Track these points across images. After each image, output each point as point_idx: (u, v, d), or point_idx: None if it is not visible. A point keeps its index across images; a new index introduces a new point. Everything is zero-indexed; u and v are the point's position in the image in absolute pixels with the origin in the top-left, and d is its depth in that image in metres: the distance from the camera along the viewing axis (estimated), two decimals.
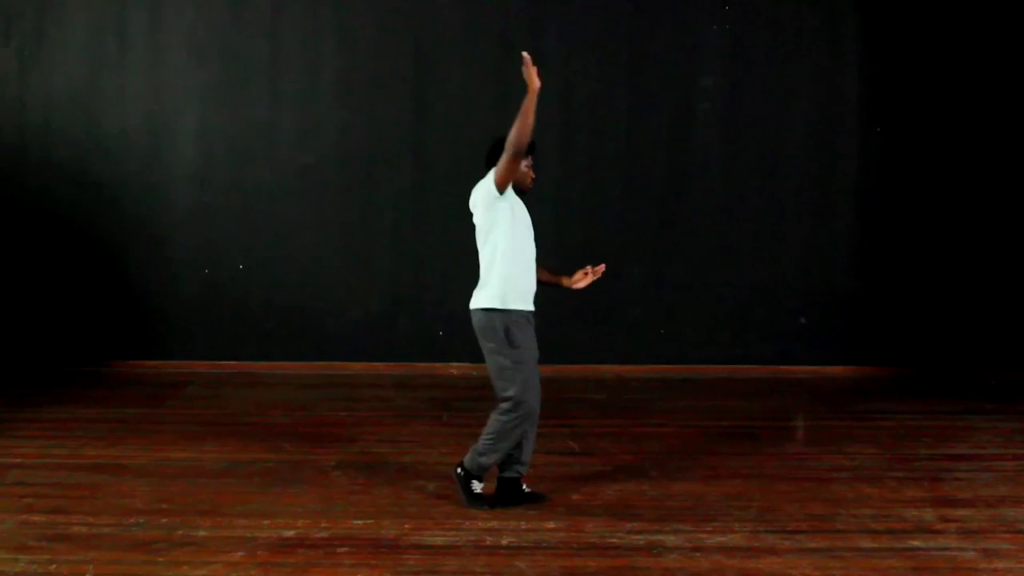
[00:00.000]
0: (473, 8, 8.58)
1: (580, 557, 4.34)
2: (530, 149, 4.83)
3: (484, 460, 4.88)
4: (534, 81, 4.60)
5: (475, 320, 4.89)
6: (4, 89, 8.59)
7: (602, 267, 5.12)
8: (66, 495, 5.13)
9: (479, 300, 4.87)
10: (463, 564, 4.25)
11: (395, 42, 8.59)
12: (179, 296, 8.65)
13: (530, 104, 4.59)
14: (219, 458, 5.86)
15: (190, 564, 4.21)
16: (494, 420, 4.85)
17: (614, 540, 4.53)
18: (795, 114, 8.64)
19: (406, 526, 4.70)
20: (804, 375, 8.45)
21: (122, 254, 8.64)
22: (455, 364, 8.52)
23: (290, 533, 4.59)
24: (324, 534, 4.59)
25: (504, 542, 4.50)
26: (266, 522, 4.72)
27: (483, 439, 4.88)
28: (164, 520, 4.75)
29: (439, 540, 4.53)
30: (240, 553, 4.34)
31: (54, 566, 4.18)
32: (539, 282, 5.00)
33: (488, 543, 4.49)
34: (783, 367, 8.56)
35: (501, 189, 4.76)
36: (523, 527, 4.68)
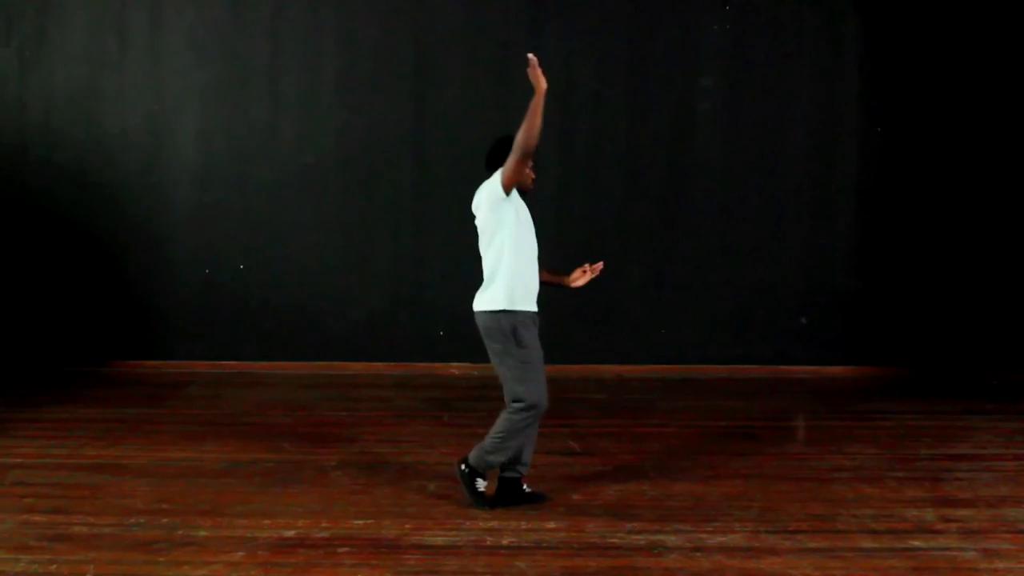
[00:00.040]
0: (473, 8, 8.58)
1: (580, 557, 4.34)
2: None
3: (492, 458, 4.88)
4: (540, 82, 4.61)
5: (481, 321, 4.88)
6: (5, 89, 8.59)
7: (600, 264, 5.16)
8: (67, 495, 5.13)
9: (485, 302, 4.86)
10: (464, 564, 4.25)
11: (395, 42, 8.59)
12: (179, 296, 8.65)
13: (537, 105, 4.60)
14: (219, 458, 5.86)
15: (191, 564, 4.22)
16: (504, 419, 4.84)
17: (614, 540, 4.53)
18: (795, 114, 8.64)
19: (407, 526, 4.70)
20: (804, 375, 8.45)
21: (122, 254, 8.64)
22: (455, 364, 8.52)
23: (291, 533, 4.60)
24: (325, 534, 4.59)
25: (505, 542, 4.50)
26: (267, 522, 4.73)
27: (491, 437, 4.87)
28: (164, 520, 4.75)
29: (440, 540, 4.53)
30: (240, 553, 4.34)
31: (55, 566, 4.19)
32: (540, 282, 5.01)
33: (489, 543, 4.49)
34: (783, 367, 8.56)
35: (508, 190, 4.77)
36: (524, 527, 4.68)
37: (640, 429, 6.67)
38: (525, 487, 5.01)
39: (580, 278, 5.15)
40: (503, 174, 4.75)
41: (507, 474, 4.96)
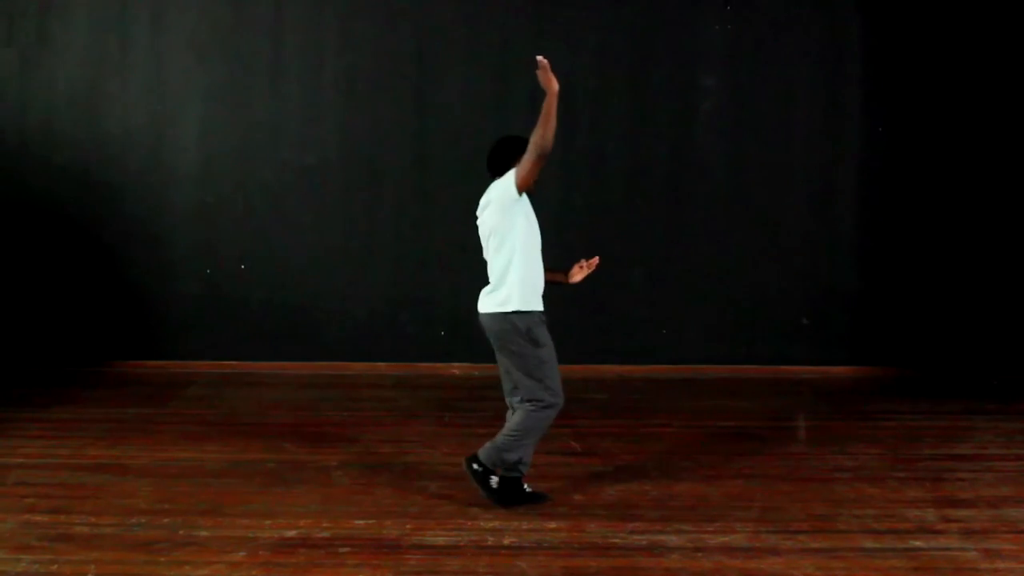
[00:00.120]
0: (475, 8, 8.58)
1: (582, 557, 4.35)
2: (524, 151, 4.86)
3: (508, 456, 4.89)
4: (552, 84, 4.63)
5: (492, 324, 4.88)
6: (6, 89, 8.59)
7: (595, 260, 5.20)
8: (68, 495, 5.13)
9: (496, 303, 4.86)
10: (465, 564, 4.26)
11: (397, 43, 8.59)
12: (181, 296, 8.66)
13: (551, 106, 4.62)
14: (221, 458, 5.86)
15: (192, 564, 4.22)
16: (524, 417, 4.85)
17: (616, 540, 4.53)
18: (797, 113, 8.63)
19: (408, 526, 4.70)
20: (806, 375, 8.44)
21: (124, 254, 8.65)
22: (457, 364, 8.52)
23: (292, 533, 4.60)
24: (326, 534, 4.60)
25: (506, 542, 4.50)
26: (268, 522, 4.73)
27: (506, 435, 4.88)
28: (166, 520, 4.75)
29: (441, 540, 4.53)
30: (242, 553, 4.35)
31: (56, 566, 4.19)
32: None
33: (490, 543, 4.49)
34: (785, 367, 8.55)
35: (522, 191, 4.78)
36: (525, 527, 4.68)
37: (641, 429, 6.67)
38: (526, 487, 5.01)
39: (578, 274, 5.18)
40: (517, 175, 4.76)
41: (508, 474, 4.96)
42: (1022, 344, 8.54)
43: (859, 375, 8.50)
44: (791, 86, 8.62)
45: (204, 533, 4.59)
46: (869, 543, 4.51)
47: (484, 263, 5.07)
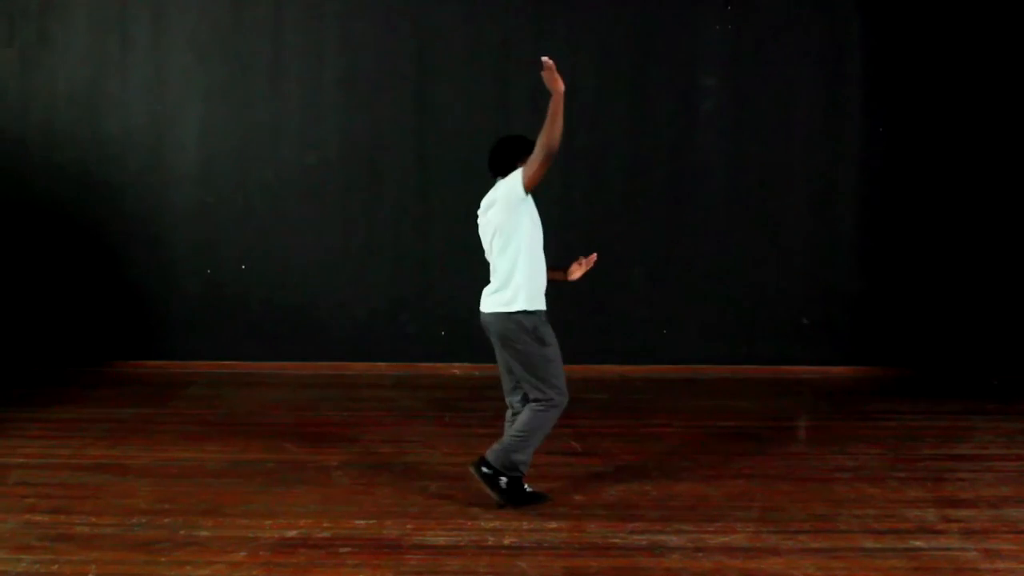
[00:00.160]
0: (476, 8, 8.57)
1: (582, 557, 4.35)
2: (528, 151, 4.87)
3: (517, 456, 4.90)
4: (558, 85, 4.64)
5: (497, 323, 4.88)
6: (7, 89, 8.59)
7: (593, 256, 5.21)
8: (69, 495, 5.14)
9: (502, 303, 4.87)
10: (465, 564, 4.26)
11: (397, 43, 8.59)
12: (181, 296, 8.66)
13: (557, 107, 4.64)
14: (221, 458, 5.86)
15: (192, 564, 4.22)
16: (531, 416, 4.87)
17: (616, 540, 4.53)
18: (798, 113, 8.63)
19: (408, 526, 4.70)
20: (807, 375, 8.44)
21: (124, 254, 8.65)
22: (457, 364, 8.52)
23: (292, 533, 4.60)
24: (326, 534, 4.60)
25: (506, 542, 4.50)
26: (268, 522, 4.73)
27: (513, 436, 4.89)
28: (166, 520, 4.75)
29: (441, 540, 4.53)
30: (242, 553, 4.35)
31: (57, 566, 4.19)
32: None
33: (490, 543, 4.50)
34: (785, 367, 8.54)
35: (529, 190, 4.79)
36: (525, 527, 4.68)
37: (642, 429, 6.67)
38: (527, 487, 5.01)
39: (577, 271, 5.20)
40: (525, 175, 4.76)
41: (509, 474, 4.96)
42: (1022, 344, 8.53)
43: (859, 375, 8.50)
44: (791, 86, 8.61)
45: (205, 533, 4.59)
46: (869, 543, 4.51)
47: (485, 263, 5.08)
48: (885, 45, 8.55)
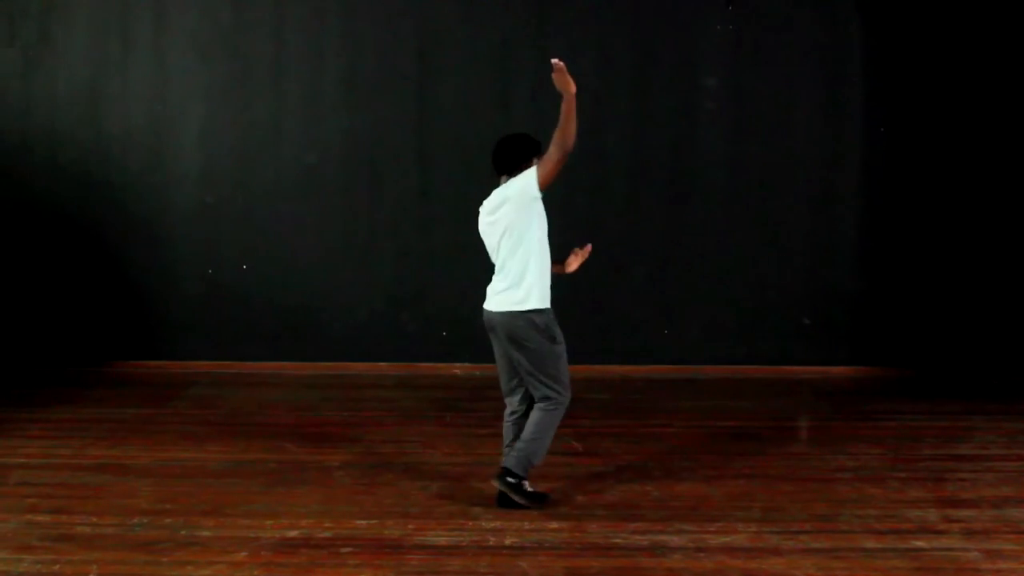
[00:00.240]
0: (476, 8, 8.57)
1: (583, 557, 4.35)
2: (536, 150, 4.88)
3: (536, 459, 4.93)
4: (570, 86, 4.66)
5: (509, 322, 4.88)
6: (8, 89, 8.59)
7: (588, 247, 5.24)
8: (70, 495, 5.14)
9: (515, 302, 4.87)
10: (466, 564, 4.26)
11: (398, 42, 8.59)
12: (182, 296, 8.65)
13: (570, 107, 4.66)
14: (222, 458, 5.87)
15: (194, 564, 4.22)
16: (542, 416, 4.89)
17: (617, 540, 4.53)
18: (799, 114, 8.62)
19: (410, 526, 4.70)
20: (807, 375, 8.44)
21: (125, 254, 8.65)
22: (458, 364, 8.52)
23: (294, 533, 4.60)
24: (328, 534, 4.60)
25: (507, 542, 4.50)
26: (269, 522, 4.73)
27: (527, 441, 4.89)
28: (168, 520, 4.75)
29: (442, 540, 4.53)
30: (243, 553, 4.35)
31: (58, 566, 4.19)
32: None
33: (491, 543, 4.50)
34: (786, 367, 8.54)
35: (543, 188, 4.80)
36: (526, 527, 4.68)
37: (643, 429, 6.67)
38: (528, 487, 5.01)
39: (574, 262, 5.22)
40: (540, 173, 4.77)
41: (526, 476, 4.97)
42: (1022, 344, 8.53)
43: (860, 375, 8.50)
44: (792, 86, 8.61)
45: (206, 533, 4.59)
46: (871, 543, 4.51)
47: (486, 262, 5.07)
48: (885, 45, 8.55)
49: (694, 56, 8.60)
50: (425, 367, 8.54)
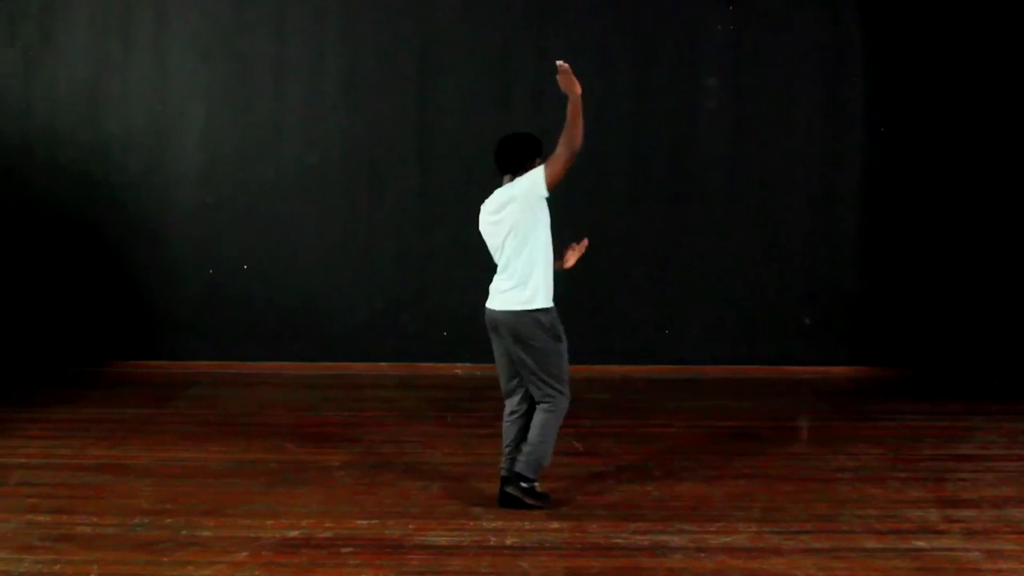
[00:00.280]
0: (476, 8, 8.57)
1: (584, 557, 4.35)
2: (539, 150, 4.88)
3: (544, 460, 4.94)
4: (575, 88, 4.69)
5: (516, 321, 4.87)
6: (9, 90, 8.59)
7: (585, 241, 5.24)
8: (70, 495, 5.14)
9: (521, 302, 4.87)
10: (467, 564, 4.26)
11: (399, 42, 8.59)
12: (183, 296, 8.65)
13: (577, 109, 4.69)
14: (223, 458, 5.86)
15: (194, 564, 4.22)
16: (545, 418, 4.90)
17: (618, 540, 4.53)
18: (799, 114, 8.62)
19: (410, 526, 4.70)
20: (808, 375, 8.44)
21: (126, 254, 8.64)
22: (459, 364, 8.51)
23: (294, 533, 4.60)
24: (328, 534, 4.60)
25: (508, 542, 4.50)
26: (270, 522, 4.73)
27: (533, 443, 4.89)
28: (168, 520, 4.75)
29: (443, 540, 4.53)
30: (244, 553, 4.35)
31: (59, 566, 4.19)
32: None
33: (492, 543, 4.50)
34: (787, 367, 8.54)
35: (550, 188, 4.80)
36: (527, 527, 4.68)
37: (643, 429, 6.67)
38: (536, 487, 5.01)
39: (571, 257, 5.22)
40: (547, 173, 4.76)
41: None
42: (1022, 344, 8.53)
43: (860, 375, 8.50)
44: (792, 86, 8.61)
45: (207, 533, 4.59)
46: (871, 543, 4.51)
47: (487, 262, 5.07)
48: (885, 45, 8.55)
49: (694, 56, 8.60)
50: (425, 367, 8.54)
